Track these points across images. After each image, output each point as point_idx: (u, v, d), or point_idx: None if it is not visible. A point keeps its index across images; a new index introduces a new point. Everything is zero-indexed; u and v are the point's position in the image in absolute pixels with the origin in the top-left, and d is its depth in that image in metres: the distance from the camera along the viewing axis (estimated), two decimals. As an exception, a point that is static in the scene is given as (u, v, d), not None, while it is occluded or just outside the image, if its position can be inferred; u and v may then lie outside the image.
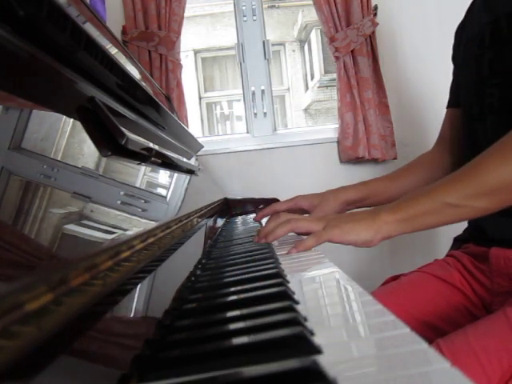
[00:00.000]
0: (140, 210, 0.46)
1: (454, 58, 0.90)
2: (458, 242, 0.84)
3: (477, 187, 0.55)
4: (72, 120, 0.37)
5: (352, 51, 1.73)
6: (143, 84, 0.60)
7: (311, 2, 1.76)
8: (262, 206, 1.39)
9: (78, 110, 0.38)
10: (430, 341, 0.53)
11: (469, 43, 0.78)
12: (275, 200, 1.37)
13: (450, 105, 0.91)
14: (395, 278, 0.81)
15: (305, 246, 0.60)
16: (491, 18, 0.70)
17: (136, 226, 0.41)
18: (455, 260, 0.78)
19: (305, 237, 0.66)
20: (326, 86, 5.70)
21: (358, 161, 1.78)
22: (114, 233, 0.35)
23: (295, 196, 0.86)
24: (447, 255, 0.83)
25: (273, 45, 1.89)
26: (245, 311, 0.34)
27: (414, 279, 0.77)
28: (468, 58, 0.78)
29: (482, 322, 0.57)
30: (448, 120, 0.91)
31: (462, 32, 0.85)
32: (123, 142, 0.40)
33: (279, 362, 0.24)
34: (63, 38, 0.34)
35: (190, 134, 1.10)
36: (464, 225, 0.84)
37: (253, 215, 1.30)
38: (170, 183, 0.69)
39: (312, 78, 6.01)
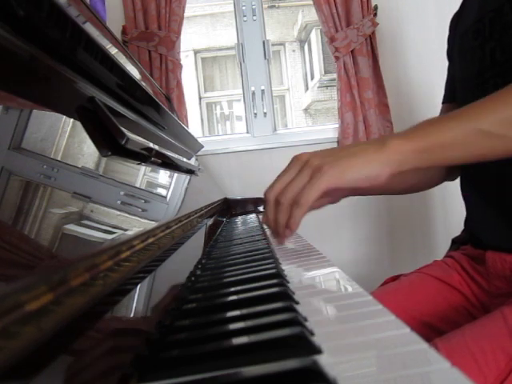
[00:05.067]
0: (140, 210, 0.46)
1: (449, 52, 0.88)
2: (456, 243, 0.84)
3: None
4: (72, 120, 0.37)
5: (352, 51, 1.73)
6: (143, 84, 0.60)
7: (311, 2, 1.76)
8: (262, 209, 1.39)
9: (77, 110, 0.38)
10: (430, 341, 0.53)
11: (465, 35, 0.76)
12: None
13: (445, 100, 0.89)
14: (395, 278, 0.81)
15: (301, 211, 0.46)
16: (496, 4, 0.67)
17: (136, 226, 0.41)
18: (454, 261, 0.77)
19: None
20: (326, 86, 5.70)
21: (358, 161, 1.78)
22: (114, 233, 0.35)
23: None
24: (446, 256, 0.83)
25: (273, 45, 1.89)
26: (245, 311, 0.34)
27: (413, 280, 0.77)
28: (464, 51, 0.76)
29: (479, 322, 0.57)
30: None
31: (456, 23, 0.83)
32: (123, 142, 0.40)
33: (279, 362, 0.24)
34: (63, 38, 0.34)
35: (189, 134, 1.10)
36: (461, 226, 0.84)
37: (253, 215, 1.30)
38: (170, 183, 0.69)
39: (312, 78, 6.01)
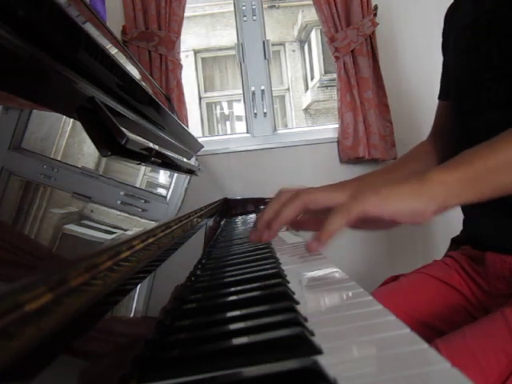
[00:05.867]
0: (140, 210, 0.46)
1: (444, 46, 0.87)
2: (456, 243, 0.84)
3: None
4: (72, 120, 0.37)
5: (352, 51, 1.73)
6: (143, 84, 0.60)
7: (311, 2, 1.76)
8: (262, 207, 1.38)
9: (78, 110, 0.38)
10: (429, 341, 0.53)
11: (461, 33, 0.75)
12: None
13: (441, 97, 0.89)
14: (395, 278, 0.81)
15: (328, 231, 0.40)
16: (492, 5, 0.67)
17: (136, 226, 0.41)
18: (454, 261, 0.77)
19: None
20: (326, 86, 5.69)
21: (358, 161, 1.78)
22: (114, 233, 0.35)
23: (280, 189, 0.82)
24: (446, 256, 0.83)
25: (273, 45, 1.89)
26: (245, 311, 0.34)
27: (413, 280, 0.77)
28: (460, 50, 0.75)
29: (480, 323, 0.57)
30: (440, 112, 0.89)
31: (452, 18, 0.82)
32: (123, 142, 0.40)
33: (279, 363, 0.24)
34: (63, 38, 0.34)
35: (189, 134, 1.10)
36: (461, 226, 0.84)
37: (253, 215, 1.30)
38: (170, 183, 0.69)
39: (312, 78, 6.01)
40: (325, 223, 0.40)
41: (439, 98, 0.89)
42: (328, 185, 0.45)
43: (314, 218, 0.46)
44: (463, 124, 0.75)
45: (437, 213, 0.41)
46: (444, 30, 0.87)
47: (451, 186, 0.42)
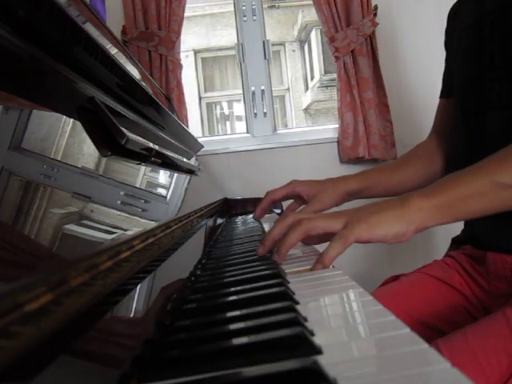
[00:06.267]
0: (140, 210, 0.46)
1: (447, 43, 0.86)
2: (456, 242, 0.84)
3: None
4: (72, 120, 0.37)
5: (352, 51, 1.73)
6: (143, 84, 0.60)
7: (311, 2, 1.76)
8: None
9: (78, 110, 0.38)
10: (429, 341, 0.53)
11: (464, 33, 0.74)
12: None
13: (442, 95, 0.88)
14: (395, 278, 0.81)
15: (330, 256, 0.47)
16: (495, 6, 0.66)
17: (136, 226, 0.41)
18: (454, 261, 0.77)
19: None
20: (326, 86, 5.69)
21: (358, 161, 1.78)
22: (114, 233, 0.35)
23: (292, 180, 0.81)
24: (446, 255, 0.83)
25: (273, 45, 1.89)
26: (245, 311, 0.34)
27: (413, 280, 0.77)
28: (463, 50, 0.75)
29: (481, 323, 0.57)
30: (441, 111, 0.88)
31: (455, 18, 0.81)
32: (123, 142, 0.40)
33: (279, 363, 0.24)
34: (63, 38, 0.34)
35: (189, 134, 1.10)
36: (461, 225, 0.84)
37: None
38: (170, 183, 0.69)
39: (312, 78, 6.01)
40: (326, 249, 0.48)
41: (441, 96, 0.88)
42: (326, 213, 0.53)
43: (316, 236, 0.52)
44: (466, 124, 0.75)
45: (416, 232, 0.49)
46: (447, 28, 0.86)
47: (427, 211, 0.49)
